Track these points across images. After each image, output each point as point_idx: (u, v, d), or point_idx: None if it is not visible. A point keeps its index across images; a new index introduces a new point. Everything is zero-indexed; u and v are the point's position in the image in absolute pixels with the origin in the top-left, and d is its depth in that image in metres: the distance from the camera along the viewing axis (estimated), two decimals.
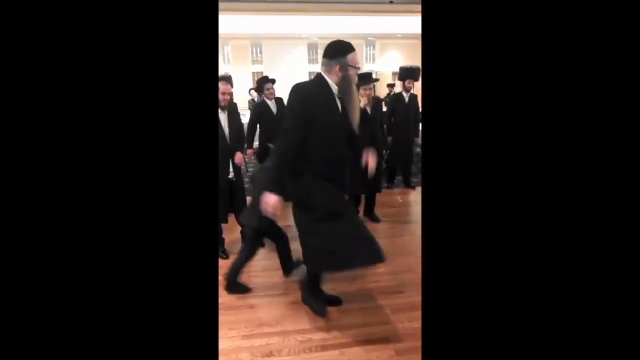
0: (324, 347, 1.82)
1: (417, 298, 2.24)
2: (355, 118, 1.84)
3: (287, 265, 2.36)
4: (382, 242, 1.81)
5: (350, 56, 1.74)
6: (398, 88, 4.93)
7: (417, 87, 4.12)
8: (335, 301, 2.13)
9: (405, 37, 8.51)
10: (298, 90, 1.72)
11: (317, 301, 2.03)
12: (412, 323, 1.99)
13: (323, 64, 1.77)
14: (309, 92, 1.72)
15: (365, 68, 10.88)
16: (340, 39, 1.81)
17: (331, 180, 1.78)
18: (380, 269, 2.64)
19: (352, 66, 1.75)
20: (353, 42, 1.83)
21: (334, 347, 1.82)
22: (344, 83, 1.75)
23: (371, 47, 11.27)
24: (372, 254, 1.72)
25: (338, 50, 1.74)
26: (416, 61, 9.34)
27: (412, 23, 8.36)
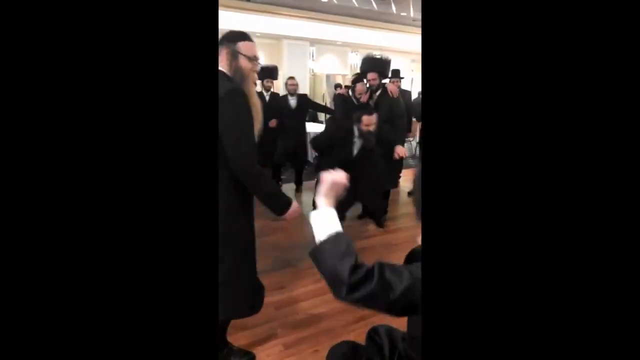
0: None
1: (298, 291, 2.34)
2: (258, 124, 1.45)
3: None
4: (258, 240, 1.74)
5: (242, 44, 1.43)
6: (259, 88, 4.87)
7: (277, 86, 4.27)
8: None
9: (264, 36, 8.58)
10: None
11: (233, 352, 1.75)
12: (295, 316, 2.08)
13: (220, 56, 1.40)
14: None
15: None
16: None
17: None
18: (259, 267, 2.64)
19: (245, 55, 1.42)
20: None
21: None
22: (237, 75, 1.42)
23: None
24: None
25: (226, 37, 1.43)
26: (274, 61, 9.53)
27: (270, 23, 8.51)
